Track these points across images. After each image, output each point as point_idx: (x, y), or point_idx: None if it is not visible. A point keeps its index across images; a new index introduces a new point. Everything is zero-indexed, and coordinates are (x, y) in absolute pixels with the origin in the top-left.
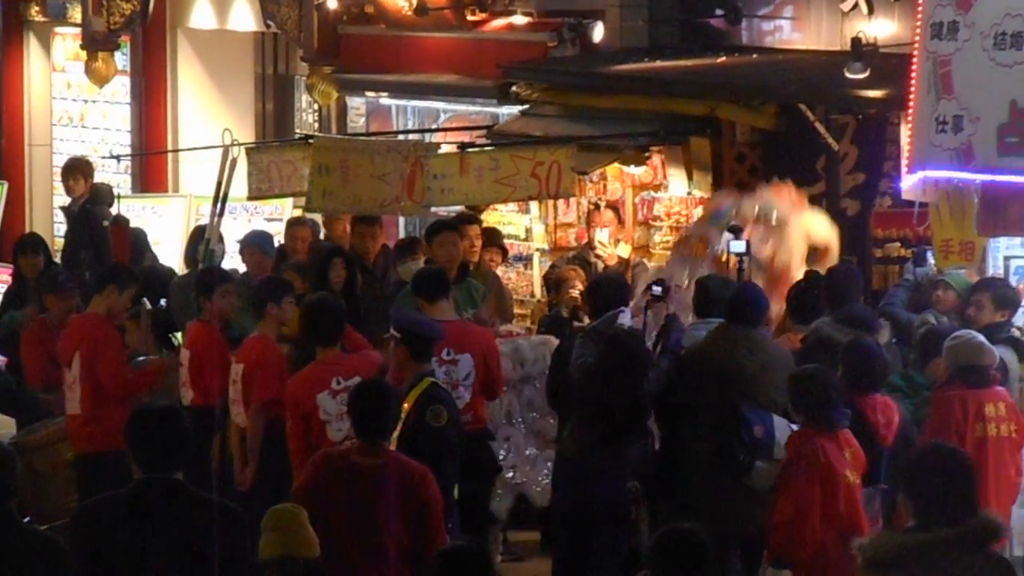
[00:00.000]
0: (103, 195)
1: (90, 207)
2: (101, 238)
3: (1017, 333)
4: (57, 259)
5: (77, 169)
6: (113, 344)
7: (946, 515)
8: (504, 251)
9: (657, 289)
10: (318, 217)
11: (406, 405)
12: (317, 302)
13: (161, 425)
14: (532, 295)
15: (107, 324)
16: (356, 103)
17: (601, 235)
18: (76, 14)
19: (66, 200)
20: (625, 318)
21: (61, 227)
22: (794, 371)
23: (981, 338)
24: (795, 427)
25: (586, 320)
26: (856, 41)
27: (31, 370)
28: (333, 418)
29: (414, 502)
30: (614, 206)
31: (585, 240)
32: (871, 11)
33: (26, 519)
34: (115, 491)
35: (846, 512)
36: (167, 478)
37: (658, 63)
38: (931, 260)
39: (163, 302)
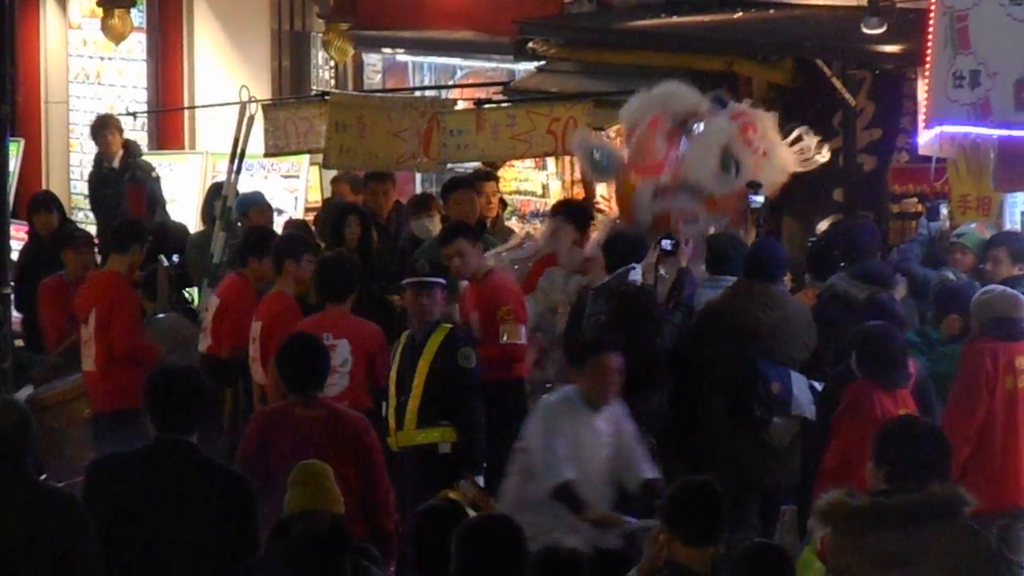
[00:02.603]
0: (137, 149)
1: (132, 160)
2: (153, 193)
3: None
4: (72, 215)
5: (113, 125)
6: (129, 305)
7: (912, 483)
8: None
9: (667, 244)
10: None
11: (426, 352)
12: (333, 259)
13: (179, 386)
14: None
15: (126, 284)
16: (372, 59)
17: (600, 189)
18: None
19: (78, 157)
20: (636, 274)
21: (78, 184)
22: (861, 327)
23: (1015, 292)
24: (814, 384)
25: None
26: None
27: (48, 328)
28: None
29: (359, 449)
30: None
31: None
32: None
33: (42, 476)
34: (128, 448)
35: None
36: (181, 439)
37: (675, 19)
38: (944, 214)
39: (176, 258)
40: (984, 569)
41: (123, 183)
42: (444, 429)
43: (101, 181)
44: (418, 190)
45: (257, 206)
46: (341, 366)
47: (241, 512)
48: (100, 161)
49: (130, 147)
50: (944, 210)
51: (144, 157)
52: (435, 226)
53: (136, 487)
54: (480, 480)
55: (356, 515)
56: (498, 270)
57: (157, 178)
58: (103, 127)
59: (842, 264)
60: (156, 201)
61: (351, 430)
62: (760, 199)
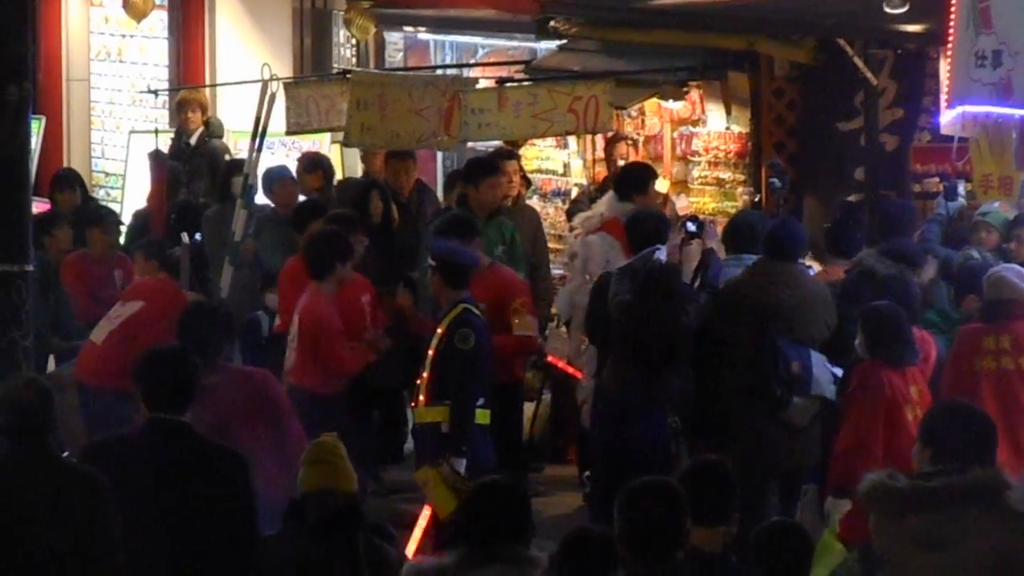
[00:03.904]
0: (218, 129)
1: (208, 139)
2: (174, 171)
3: None
4: (93, 193)
5: (196, 103)
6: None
7: (955, 466)
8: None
9: (692, 226)
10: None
11: (440, 330)
12: (317, 237)
13: (171, 366)
14: (571, 231)
15: (183, 298)
16: (394, 38)
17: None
18: None
19: (99, 134)
20: (661, 255)
21: (99, 162)
22: (867, 307)
23: (1005, 272)
24: (834, 369)
25: None
26: None
27: (78, 305)
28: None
29: (262, 403)
30: (635, 139)
31: (605, 175)
32: None
33: (64, 453)
34: (123, 430)
35: (908, 447)
36: (174, 419)
37: None
38: (962, 193)
39: (198, 237)
40: None
41: (197, 161)
42: (447, 408)
43: (177, 157)
44: (439, 169)
45: (280, 180)
46: (292, 340)
47: (238, 490)
48: (180, 136)
49: (211, 127)
50: (962, 189)
51: (164, 135)
52: None
53: (132, 469)
54: (462, 464)
55: (276, 473)
56: (499, 264)
57: (217, 160)
58: (185, 105)
59: (855, 246)
60: (178, 179)
61: (250, 386)
62: (777, 182)
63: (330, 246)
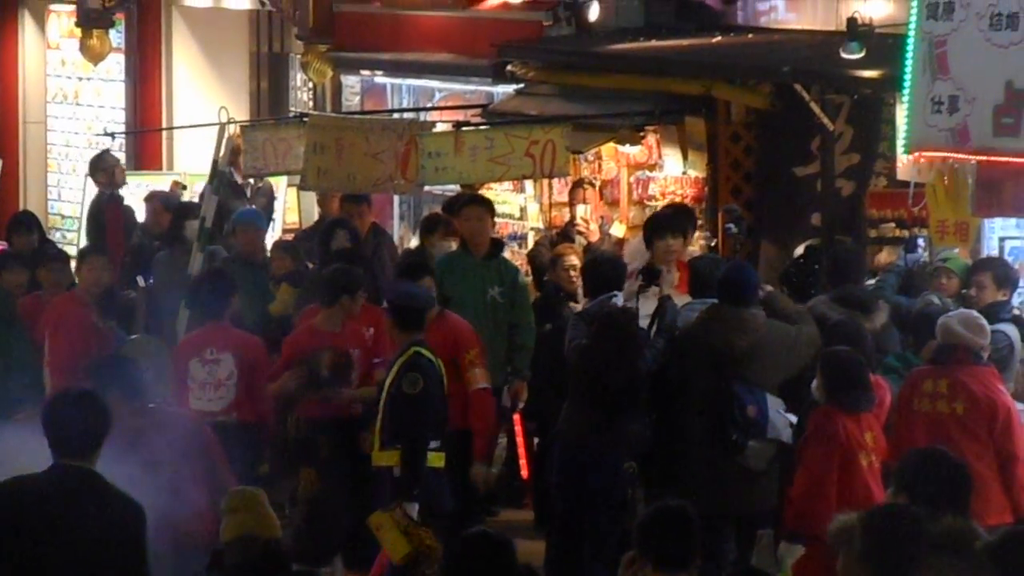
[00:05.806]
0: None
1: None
2: (129, 214)
3: (1018, 312)
4: (50, 235)
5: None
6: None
7: (928, 513)
8: None
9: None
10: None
11: (391, 373)
12: (207, 275)
13: (77, 411)
14: (528, 274)
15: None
16: (351, 81)
17: (582, 211)
18: None
19: (56, 177)
20: (618, 301)
21: (55, 204)
22: (824, 352)
23: (950, 319)
24: (788, 415)
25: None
26: (852, 21)
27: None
28: (196, 386)
29: (191, 444)
30: (592, 183)
31: (568, 218)
32: None
33: None
34: (30, 474)
35: (862, 493)
36: (80, 466)
37: (653, 42)
38: (922, 247)
39: (152, 281)
40: None
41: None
42: (399, 452)
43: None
44: (396, 212)
45: (243, 224)
46: (227, 379)
47: (131, 540)
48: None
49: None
50: (922, 241)
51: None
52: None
53: (34, 513)
54: (414, 508)
55: (209, 516)
56: (448, 311)
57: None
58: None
59: (813, 289)
60: (133, 222)
61: (180, 429)
62: (732, 226)
63: (224, 286)
